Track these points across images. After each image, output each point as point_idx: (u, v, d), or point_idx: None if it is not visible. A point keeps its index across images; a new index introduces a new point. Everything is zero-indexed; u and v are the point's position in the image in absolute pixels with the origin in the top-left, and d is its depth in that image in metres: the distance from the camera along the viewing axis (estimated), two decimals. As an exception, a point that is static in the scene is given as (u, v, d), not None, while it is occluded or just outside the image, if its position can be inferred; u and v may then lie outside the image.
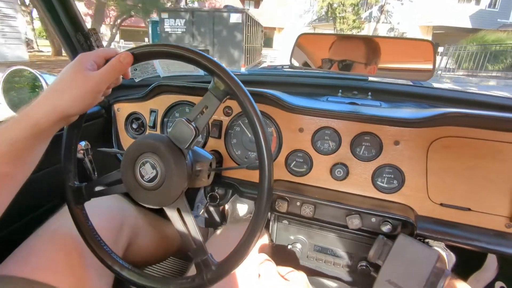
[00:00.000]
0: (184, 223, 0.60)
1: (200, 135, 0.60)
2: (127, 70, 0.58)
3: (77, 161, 0.68)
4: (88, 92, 0.52)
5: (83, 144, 1.00)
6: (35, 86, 1.01)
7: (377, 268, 0.79)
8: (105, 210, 0.70)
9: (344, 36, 1.02)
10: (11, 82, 1.02)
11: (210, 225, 1.20)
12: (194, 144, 0.60)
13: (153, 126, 1.01)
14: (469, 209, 0.79)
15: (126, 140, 1.08)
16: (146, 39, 18.11)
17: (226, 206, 1.22)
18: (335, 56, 0.97)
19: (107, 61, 0.56)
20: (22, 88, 1.03)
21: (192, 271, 0.67)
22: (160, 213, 1.01)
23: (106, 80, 0.54)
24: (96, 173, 1.04)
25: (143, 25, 18.74)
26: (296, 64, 1.01)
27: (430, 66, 0.86)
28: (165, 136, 0.59)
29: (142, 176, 0.57)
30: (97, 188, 0.64)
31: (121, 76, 0.63)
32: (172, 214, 0.60)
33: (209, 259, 0.58)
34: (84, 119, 0.66)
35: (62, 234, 0.69)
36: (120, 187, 0.62)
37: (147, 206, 0.60)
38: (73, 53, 0.97)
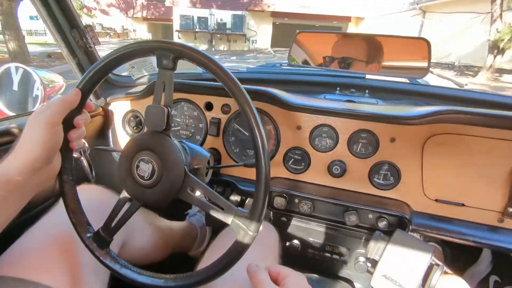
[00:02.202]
0: (203, 197, 0.58)
1: (172, 111, 0.58)
2: (76, 101, 0.58)
3: (74, 165, 0.64)
4: (42, 130, 0.54)
5: (80, 142, 1.00)
6: (29, 82, 1.00)
7: (374, 263, 0.80)
8: (96, 208, 0.69)
9: (346, 35, 1.03)
10: (5, 79, 1.01)
11: (210, 223, 1.20)
12: (172, 122, 0.59)
13: None
14: (463, 205, 0.81)
15: (124, 138, 1.07)
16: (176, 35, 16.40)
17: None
18: (336, 54, 0.97)
19: None
20: (16, 85, 1.02)
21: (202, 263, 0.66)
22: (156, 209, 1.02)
23: (55, 113, 0.55)
24: (93, 173, 1.03)
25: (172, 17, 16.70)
26: (294, 62, 1.02)
27: (425, 64, 0.87)
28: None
29: (142, 177, 0.56)
30: (114, 223, 0.62)
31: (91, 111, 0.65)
32: (188, 197, 0.58)
33: (239, 211, 0.56)
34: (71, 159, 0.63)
35: (55, 232, 0.67)
36: (133, 205, 0.60)
37: (164, 206, 0.58)
38: (70, 50, 0.95)
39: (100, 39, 1.00)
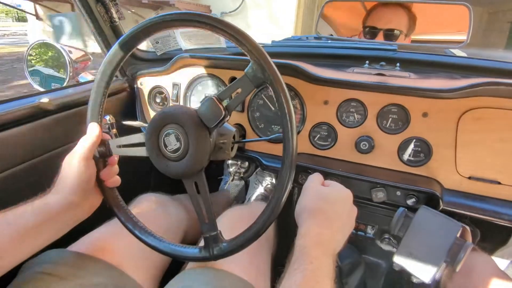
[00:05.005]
0: (200, 197, 0.61)
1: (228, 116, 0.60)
2: (99, 136, 0.63)
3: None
4: (76, 165, 0.59)
5: (107, 118, 1.02)
6: (58, 58, 1.02)
7: (399, 240, 0.79)
8: (162, 224, 0.82)
9: (385, 3, 0.95)
10: (34, 55, 1.03)
11: (235, 199, 1.22)
12: (222, 124, 0.60)
13: (176, 100, 1.02)
14: (499, 183, 0.77)
15: (150, 114, 1.09)
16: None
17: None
18: (380, 24, 0.92)
19: None
20: (45, 60, 1.04)
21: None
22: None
23: (85, 148, 0.60)
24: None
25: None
26: (321, 34, 0.98)
27: (464, 32, 0.81)
28: (194, 111, 0.59)
29: (166, 146, 0.59)
30: (119, 147, 0.66)
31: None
32: (189, 186, 0.61)
33: (218, 235, 0.60)
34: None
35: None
36: (142, 150, 0.63)
37: (165, 174, 0.62)
38: (96, 25, 0.96)
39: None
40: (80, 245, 0.70)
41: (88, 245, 0.70)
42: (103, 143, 0.65)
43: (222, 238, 0.61)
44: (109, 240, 0.73)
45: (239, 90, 0.57)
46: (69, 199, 0.59)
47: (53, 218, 0.58)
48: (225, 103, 0.58)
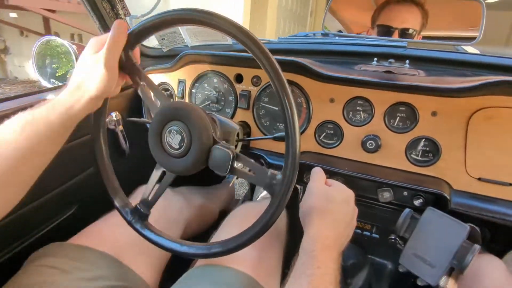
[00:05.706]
0: (161, 183, 0.65)
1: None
2: (125, 36, 0.60)
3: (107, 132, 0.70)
4: (102, 69, 0.56)
5: (113, 114, 1.02)
6: (65, 56, 1.03)
7: (405, 241, 0.78)
8: (163, 215, 0.83)
9: (399, 0, 0.92)
10: (42, 52, 1.04)
11: (241, 196, 1.22)
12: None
13: (182, 97, 1.01)
14: (510, 184, 0.75)
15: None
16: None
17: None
18: (395, 23, 0.90)
19: None
20: (53, 58, 1.05)
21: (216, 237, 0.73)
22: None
23: (113, 51, 0.58)
24: (128, 143, 1.06)
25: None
26: (329, 30, 0.96)
27: (477, 29, 0.78)
28: (212, 134, 0.59)
29: (167, 140, 0.60)
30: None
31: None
32: (157, 170, 0.65)
33: (146, 216, 0.65)
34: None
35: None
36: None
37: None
38: (102, 23, 0.95)
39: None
40: (81, 238, 0.71)
41: (89, 237, 0.71)
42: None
43: (148, 223, 0.66)
44: (109, 232, 0.74)
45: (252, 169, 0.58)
46: (93, 102, 0.59)
47: (76, 119, 0.59)
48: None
